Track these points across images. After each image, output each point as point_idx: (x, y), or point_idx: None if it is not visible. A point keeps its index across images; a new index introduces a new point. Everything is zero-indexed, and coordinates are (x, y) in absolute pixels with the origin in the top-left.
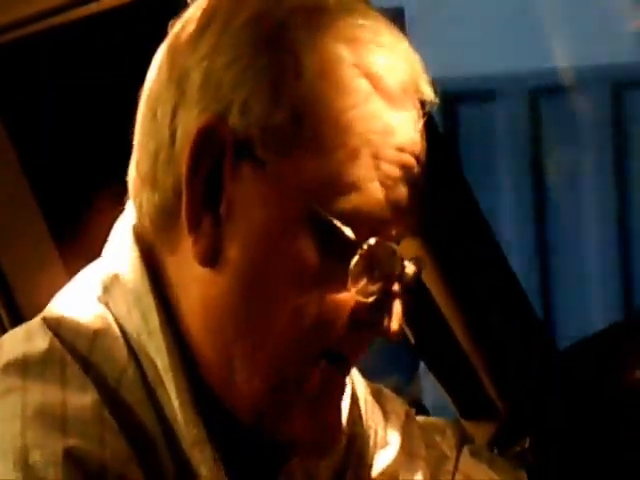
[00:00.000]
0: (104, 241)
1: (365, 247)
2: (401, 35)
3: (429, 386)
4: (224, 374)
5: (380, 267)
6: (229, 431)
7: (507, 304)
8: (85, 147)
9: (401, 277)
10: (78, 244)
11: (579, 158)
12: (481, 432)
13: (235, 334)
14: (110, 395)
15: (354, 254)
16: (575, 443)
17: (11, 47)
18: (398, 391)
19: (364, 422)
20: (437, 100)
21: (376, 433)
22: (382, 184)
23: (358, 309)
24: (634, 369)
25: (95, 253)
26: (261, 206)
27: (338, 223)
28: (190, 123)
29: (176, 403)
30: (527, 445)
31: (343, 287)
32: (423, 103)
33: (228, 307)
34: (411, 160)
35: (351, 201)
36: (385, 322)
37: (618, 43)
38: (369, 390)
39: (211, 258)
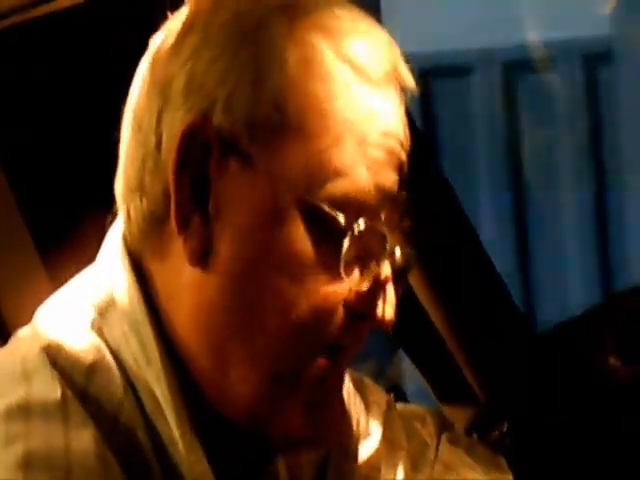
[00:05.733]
0: (89, 251)
1: (356, 231)
2: (378, 25)
3: (409, 370)
4: (218, 377)
5: (371, 253)
6: (224, 444)
7: (484, 290)
8: (71, 153)
9: (393, 264)
10: (62, 254)
11: (554, 130)
12: (460, 417)
13: (230, 332)
14: (109, 429)
15: (345, 240)
16: (553, 428)
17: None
18: (378, 375)
19: (347, 412)
20: (416, 87)
21: (358, 423)
22: (369, 169)
23: (352, 299)
24: (610, 354)
25: (80, 264)
26: (250, 200)
27: (328, 209)
28: (175, 126)
29: (177, 432)
30: (505, 430)
31: (336, 277)
32: (404, 91)
33: (221, 306)
34: (396, 145)
35: (339, 187)
36: (379, 310)
37: (589, 16)
38: (351, 380)
39: (202, 257)
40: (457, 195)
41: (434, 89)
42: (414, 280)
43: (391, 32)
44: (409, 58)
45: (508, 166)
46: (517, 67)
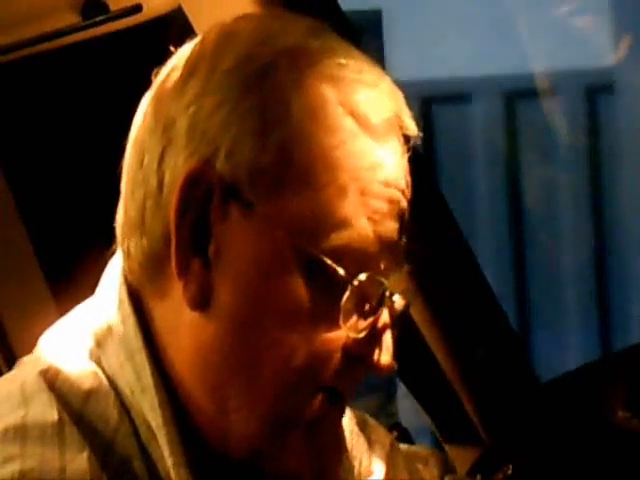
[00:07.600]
0: (97, 281)
1: (356, 283)
2: (383, 72)
3: (406, 408)
4: (218, 417)
5: (370, 302)
6: (217, 476)
7: (490, 332)
8: (80, 183)
9: (391, 310)
10: (71, 283)
11: (555, 161)
12: (463, 457)
13: (229, 376)
14: (104, 453)
15: (345, 290)
16: (557, 471)
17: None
18: (379, 411)
19: (349, 452)
20: (420, 133)
21: (360, 463)
22: (370, 219)
23: (350, 345)
24: (616, 407)
25: (88, 293)
26: (250, 247)
27: (328, 261)
28: (177, 169)
29: (169, 462)
30: (509, 472)
31: (334, 324)
32: (407, 138)
33: (220, 350)
34: (397, 194)
35: (340, 238)
36: (376, 356)
37: (590, 48)
38: (354, 420)
39: (202, 301)
40: (459, 225)
41: (435, 116)
42: (419, 320)
43: (393, 60)
44: (410, 85)
45: (507, 195)
46: (518, 96)
